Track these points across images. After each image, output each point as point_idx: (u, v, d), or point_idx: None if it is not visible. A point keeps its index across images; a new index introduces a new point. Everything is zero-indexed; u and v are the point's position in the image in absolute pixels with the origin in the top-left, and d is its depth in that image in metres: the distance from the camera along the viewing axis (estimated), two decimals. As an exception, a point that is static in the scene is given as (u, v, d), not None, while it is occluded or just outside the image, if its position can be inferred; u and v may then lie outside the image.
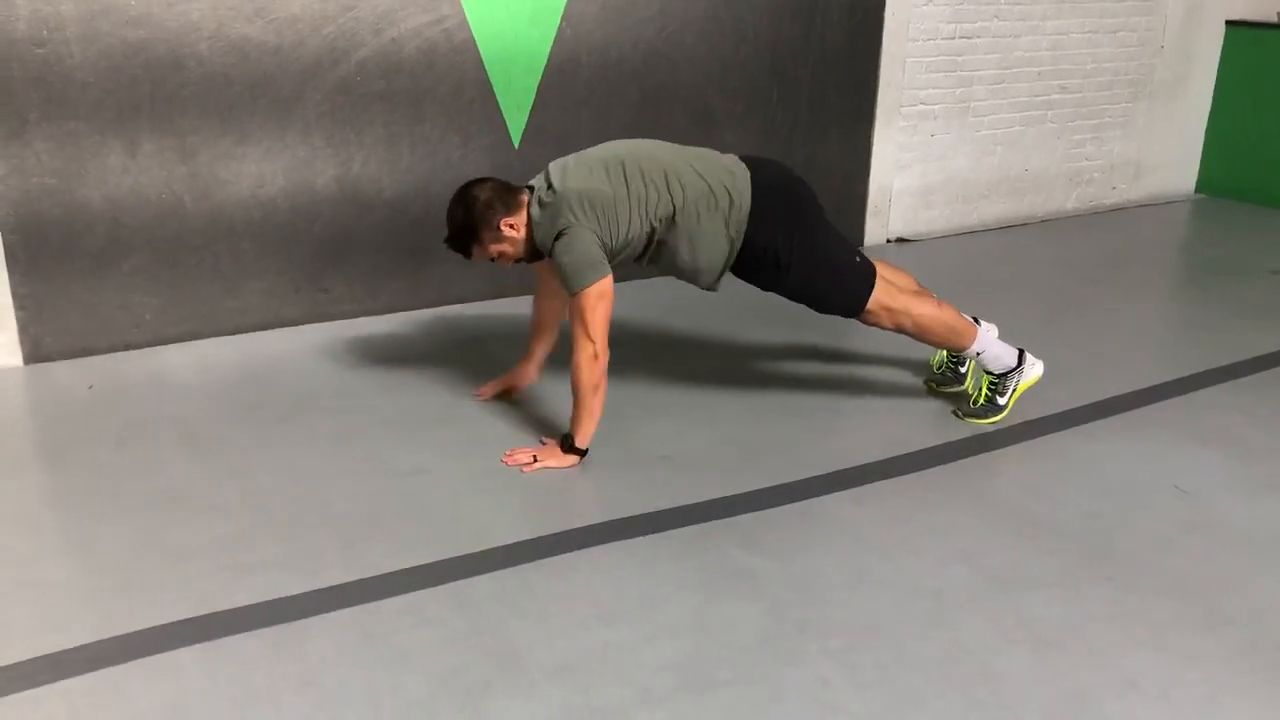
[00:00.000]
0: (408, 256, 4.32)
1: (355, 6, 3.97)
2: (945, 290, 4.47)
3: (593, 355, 2.97)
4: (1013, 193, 6.03)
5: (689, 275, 3.23)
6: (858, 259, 3.25)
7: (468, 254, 3.14)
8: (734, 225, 3.12)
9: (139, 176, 3.78)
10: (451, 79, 4.22)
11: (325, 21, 3.94)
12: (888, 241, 5.59)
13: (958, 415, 3.45)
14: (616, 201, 3.04)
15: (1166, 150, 6.60)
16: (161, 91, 3.74)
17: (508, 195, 3.09)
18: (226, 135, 3.89)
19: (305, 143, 4.03)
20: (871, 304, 3.21)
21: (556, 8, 4.35)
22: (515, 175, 4.38)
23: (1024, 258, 5.39)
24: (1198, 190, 6.79)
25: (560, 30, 4.38)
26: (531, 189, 3.13)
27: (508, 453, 3.11)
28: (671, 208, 3.08)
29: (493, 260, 3.17)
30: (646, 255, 3.20)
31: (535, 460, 3.05)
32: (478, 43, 4.23)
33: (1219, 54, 6.53)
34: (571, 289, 2.98)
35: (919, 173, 5.62)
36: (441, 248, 3.17)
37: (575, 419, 3.06)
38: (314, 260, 4.17)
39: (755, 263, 3.19)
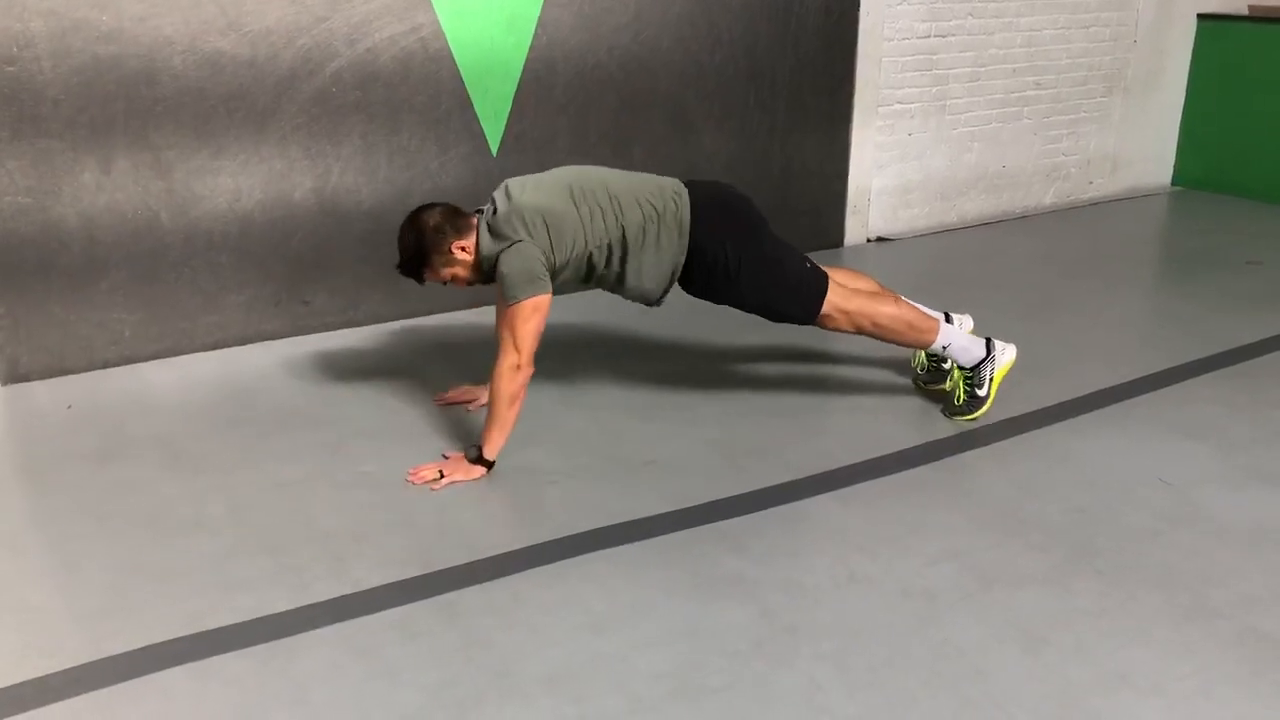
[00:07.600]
0: (388, 267, 4.26)
1: (329, 18, 3.96)
2: (926, 288, 4.48)
3: (515, 365, 2.99)
4: (991, 189, 6.05)
5: (634, 295, 3.29)
6: (808, 265, 3.29)
7: (420, 278, 3.19)
8: (676, 246, 3.18)
9: (114, 193, 3.76)
10: (428, 88, 4.21)
11: (299, 33, 3.92)
12: (868, 241, 5.61)
13: (945, 415, 3.46)
14: (566, 219, 3.09)
15: (1142, 144, 6.64)
16: (135, 107, 3.72)
17: (457, 219, 3.14)
18: (202, 149, 3.86)
19: (282, 155, 4.01)
20: (827, 308, 3.25)
21: (532, 15, 4.34)
22: (495, 183, 4.38)
23: (1004, 254, 5.41)
24: (1174, 183, 6.83)
25: (536, 37, 4.37)
26: (481, 212, 3.19)
27: (411, 471, 3.06)
28: (620, 230, 3.14)
29: (445, 284, 3.22)
30: (592, 278, 3.25)
31: (442, 476, 3.03)
32: (453, 51, 4.22)
33: (1191, 47, 6.58)
34: (508, 299, 3.01)
35: (897, 172, 5.63)
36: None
37: (487, 429, 3.05)
38: (294, 273, 4.15)
39: (706, 275, 3.24)
